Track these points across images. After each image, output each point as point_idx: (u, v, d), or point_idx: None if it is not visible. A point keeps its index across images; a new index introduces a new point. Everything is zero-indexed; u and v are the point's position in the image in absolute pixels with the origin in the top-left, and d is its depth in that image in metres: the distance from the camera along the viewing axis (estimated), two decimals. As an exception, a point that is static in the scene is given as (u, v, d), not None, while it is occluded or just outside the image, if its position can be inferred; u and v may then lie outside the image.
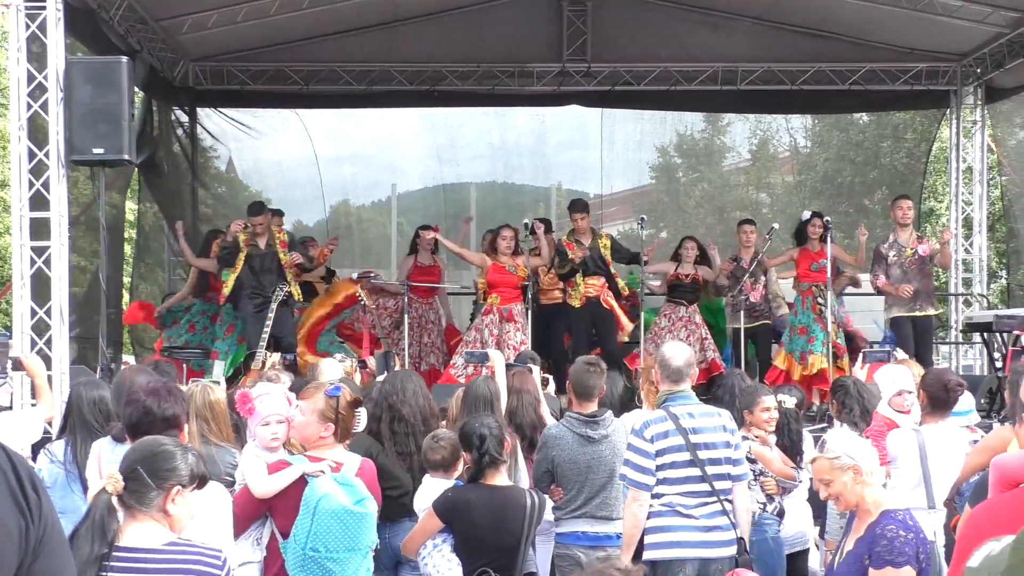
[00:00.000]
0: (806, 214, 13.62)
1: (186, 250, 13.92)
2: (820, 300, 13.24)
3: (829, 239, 12.84)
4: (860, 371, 9.16)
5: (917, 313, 13.02)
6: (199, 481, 3.97)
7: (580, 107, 16.92)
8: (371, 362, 10.84)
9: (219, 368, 11.10)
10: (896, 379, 7.95)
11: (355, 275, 13.69)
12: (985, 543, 1.82)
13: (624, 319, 13.46)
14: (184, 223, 14.25)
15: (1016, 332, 10.03)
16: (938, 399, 7.21)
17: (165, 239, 16.23)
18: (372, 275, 13.89)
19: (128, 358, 15.81)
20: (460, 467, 6.27)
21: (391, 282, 14.56)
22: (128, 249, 16.14)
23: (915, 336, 13.03)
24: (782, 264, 14.03)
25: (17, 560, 2.15)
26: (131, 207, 15.93)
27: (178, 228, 14.13)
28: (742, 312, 13.24)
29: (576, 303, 13.31)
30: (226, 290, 12.95)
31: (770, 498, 7.43)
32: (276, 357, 10.51)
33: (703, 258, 14.11)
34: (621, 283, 13.65)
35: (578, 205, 13.73)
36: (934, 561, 6.06)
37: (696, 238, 14.36)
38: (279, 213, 14.17)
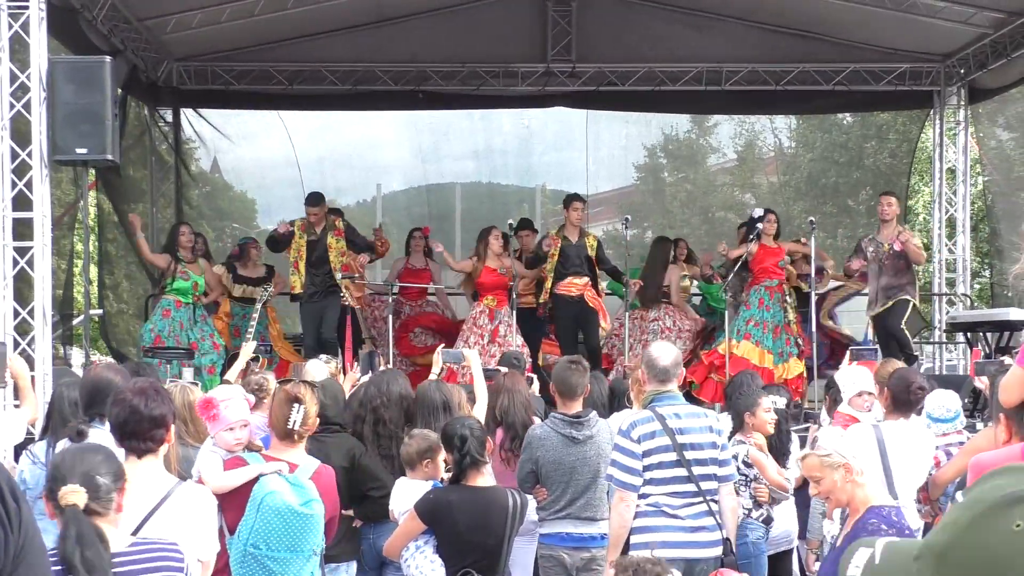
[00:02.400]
0: (758, 211, 13.59)
1: (143, 245, 13.70)
2: (789, 299, 13.34)
3: (814, 238, 12.92)
4: (849, 367, 9.22)
5: (891, 302, 13.03)
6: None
7: (565, 108, 16.92)
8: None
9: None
10: (856, 380, 8.11)
11: (339, 276, 13.66)
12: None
13: (602, 320, 13.35)
14: (139, 218, 14.02)
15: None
16: (900, 400, 7.25)
17: (149, 239, 16.19)
18: (355, 276, 13.88)
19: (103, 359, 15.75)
20: (432, 468, 6.25)
21: (376, 283, 14.54)
22: (112, 250, 16.06)
23: (889, 318, 13.05)
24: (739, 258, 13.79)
25: None
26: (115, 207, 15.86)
27: (135, 222, 13.84)
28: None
29: (542, 298, 13.37)
30: (296, 284, 13.26)
31: (758, 504, 7.43)
32: (251, 347, 10.43)
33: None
34: (602, 284, 13.63)
35: (576, 196, 13.77)
36: None
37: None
38: (338, 212, 14.32)
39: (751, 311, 13.31)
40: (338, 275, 13.10)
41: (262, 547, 5.18)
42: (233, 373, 9.31)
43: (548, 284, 13.21)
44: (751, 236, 13.35)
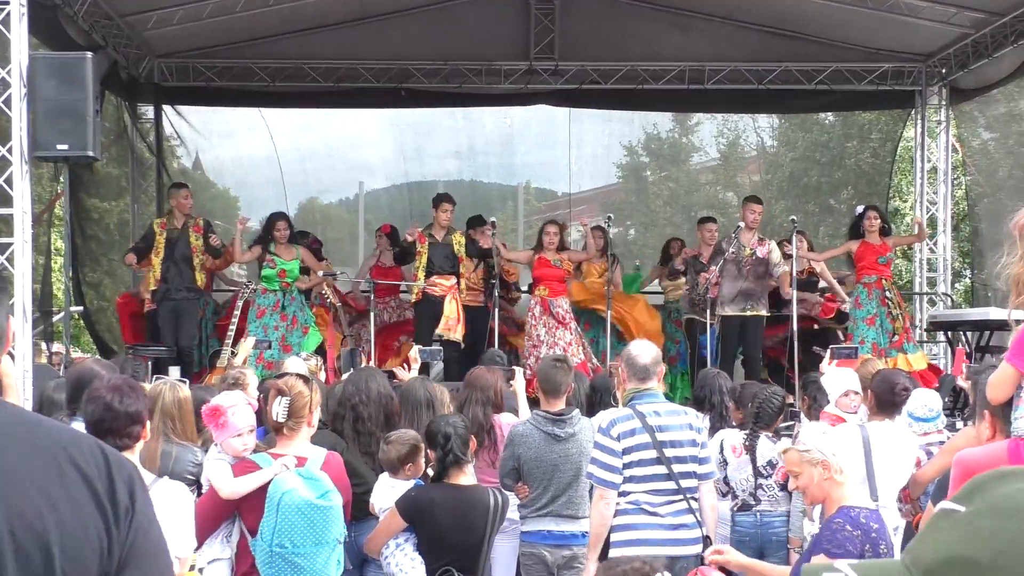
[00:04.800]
0: (859, 208, 13.74)
1: (236, 250, 13.57)
2: (888, 294, 13.42)
3: (795, 237, 12.94)
4: (828, 367, 9.22)
5: (748, 312, 13.13)
6: None
7: (548, 106, 16.92)
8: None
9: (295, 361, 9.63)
10: (843, 381, 8.17)
11: (321, 274, 13.65)
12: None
13: (447, 320, 13.05)
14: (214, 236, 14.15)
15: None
16: (884, 401, 7.29)
17: (130, 236, 16.15)
18: (338, 274, 13.87)
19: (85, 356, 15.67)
20: (413, 469, 6.25)
21: (357, 280, 14.51)
22: (93, 247, 16.00)
23: (743, 334, 13.18)
24: (836, 257, 14.11)
25: (98, 568, 2.08)
26: (96, 204, 15.80)
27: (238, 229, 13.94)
28: (697, 305, 13.48)
29: (412, 297, 13.39)
30: (151, 281, 13.08)
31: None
32: (251, 342, 10.43)
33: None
34: (467, 280, 13.57)
35: (445, 197, 13.70)
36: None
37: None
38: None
39: (853, 311, 13.59)
40: (252, 286, 12.93)
41: (288, 545, 5.22)
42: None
43: (420, 282, 13.18)
44: (734, 236, 13.39)
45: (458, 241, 13.37)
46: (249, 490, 5.41)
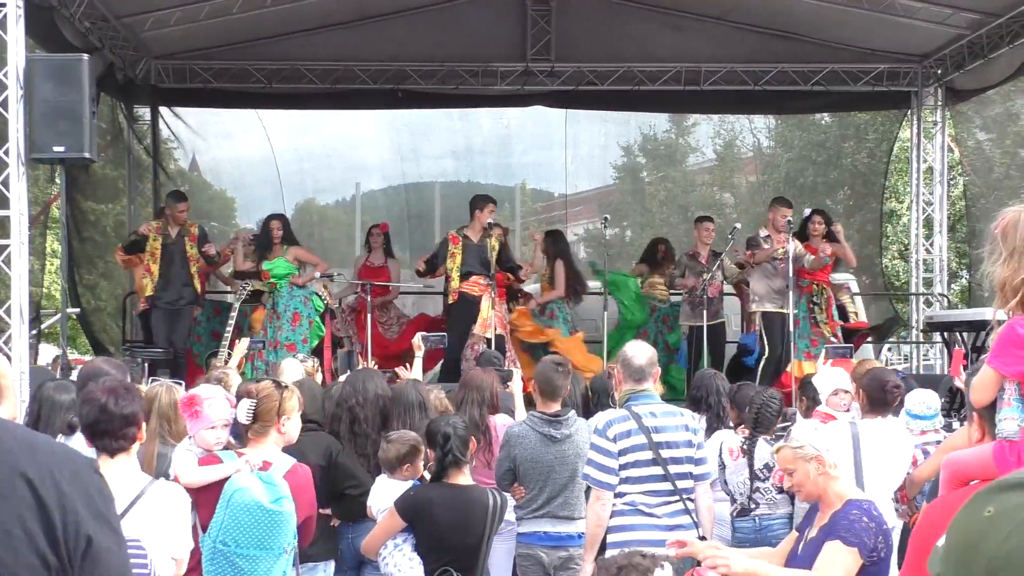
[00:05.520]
0: (807, 212, 13.75)
1: (239, 258, 13.74)
2: (815, 300, 13.41)
3: (792, 237, 12.94)
4: (824, 367, 9.26)
5: (783, 309, 13.15)
6: None
7: (544, 107, 16.92)
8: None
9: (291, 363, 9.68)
10: (833, 380, 8.25)
11: (318, 275, 13.66)
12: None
13: (484, 321, 13.01)
14: (246, 234, 14.15)
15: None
16: (875, 399, 7.30)
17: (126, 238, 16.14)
18: (334, 275, 13.87)
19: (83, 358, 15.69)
20: (411, 470, 6.27)
21: (354, 281, 14.51)
22: (89, 249, 15.99)
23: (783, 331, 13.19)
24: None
25: None
26: (92, 206, 15.80)
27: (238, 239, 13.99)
28: (692, 309, 13.52)
29: (450, 298, 13.27)
30: (148, 287, 13.10)
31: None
32: (245, 343, 10.44)
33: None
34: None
35: (489, 198, 13.59)
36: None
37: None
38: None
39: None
40: (248, 286, 12.95)
41: (231, 544, 5.13)
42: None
43: (455, 283, 13.11)
44: (730, 236, 13.39)
45: (492, 246, 13.18)
46: (209, 480, 5.36)
